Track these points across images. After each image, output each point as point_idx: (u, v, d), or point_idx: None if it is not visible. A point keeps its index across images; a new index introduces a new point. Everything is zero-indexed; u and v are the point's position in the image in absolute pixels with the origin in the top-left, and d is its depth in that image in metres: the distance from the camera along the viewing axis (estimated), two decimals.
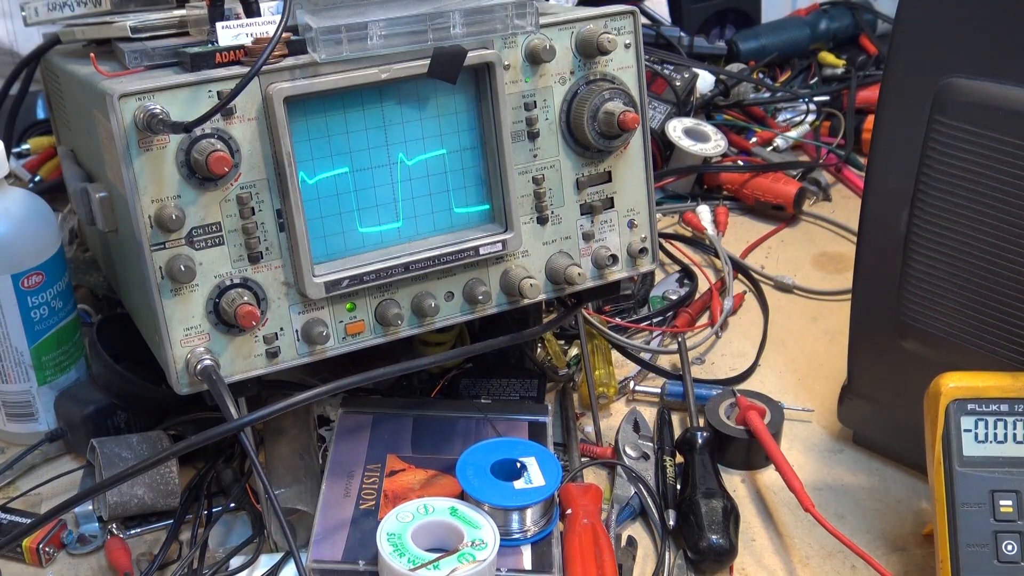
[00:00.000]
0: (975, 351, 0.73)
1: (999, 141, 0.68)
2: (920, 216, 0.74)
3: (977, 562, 0.66)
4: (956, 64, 0.70)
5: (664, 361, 0.98)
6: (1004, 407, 0.68)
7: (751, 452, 0.84)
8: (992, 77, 0.68)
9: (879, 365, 0.81)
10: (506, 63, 0.73)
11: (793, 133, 1.35)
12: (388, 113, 0.72)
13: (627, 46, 0.77)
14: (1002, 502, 0.67)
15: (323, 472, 0.79)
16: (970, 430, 0.68)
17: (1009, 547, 0.66)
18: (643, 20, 1.50)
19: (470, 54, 0.71)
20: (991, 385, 0.68)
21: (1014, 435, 0.67)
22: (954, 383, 0.69)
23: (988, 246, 0.70)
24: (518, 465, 0.75)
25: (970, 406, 0.68)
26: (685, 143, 1.23)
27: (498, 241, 0.75)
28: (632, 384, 0.94)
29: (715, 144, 1.25)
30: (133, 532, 0.80)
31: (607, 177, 0.79)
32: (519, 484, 0.74)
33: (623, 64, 0.77)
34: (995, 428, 0.68)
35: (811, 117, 1.39)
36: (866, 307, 0.80)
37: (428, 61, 0.70)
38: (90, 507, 0.80)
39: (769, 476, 0.84)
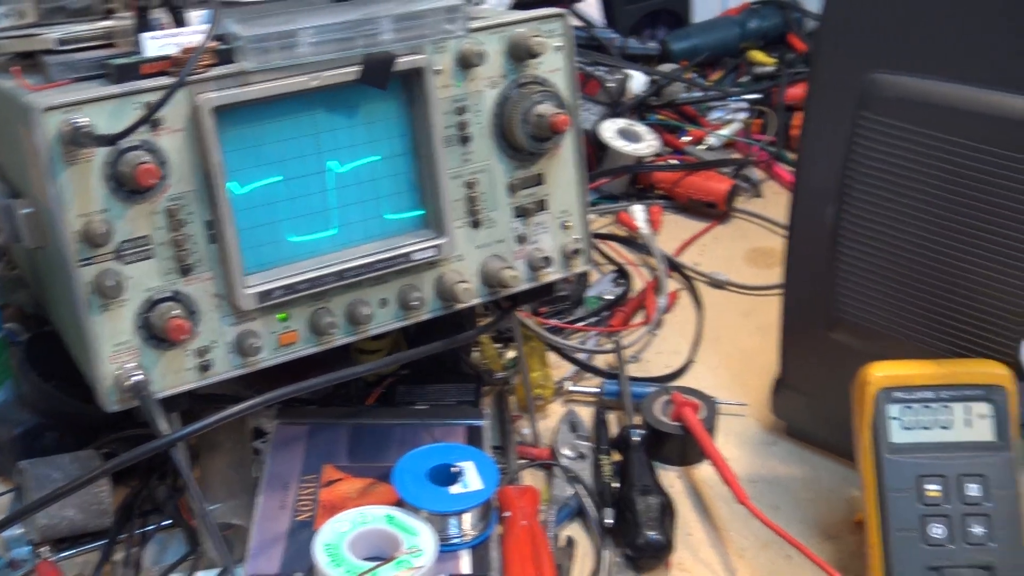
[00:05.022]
0: (902, 340, 0.75)
1: (923, 135, 0.69)
2: (848, 210, 0.75)
3: (906, 546, 0.67)
4: (880, 60, 0.71)
5: (601, 361, 0.99)
6: (929, 394, 0.70)
7: (687, 448, 0.86)
8: (915, 72, 0.70)
9: (810, 358, 0.83)
10: (437, 68, 0.73)
11: (725, 131, 1.37)
12: (319, 121, 0.72)
13: (558, 49, 0.78)
14: (929, 487, 0.68)
15: (259, 485, 0.78)
16: (897, 418, 0.69)
17: (936, 530, 0.67)
18: (576, 22, 1.52)
19: (400, 60, 0.71)
20: (917, 373, 0.70)
21: (939, 421, 0.69)
22: (881, 372, 0.70)
23: (915, 238, 0.72)
24: (455, 470, 0.76)
25: (897, 394, 0.70)
26: (618, 143, 1.24)
27: (431, 246, 0.75)
28: (569, 385, 0.94)
29: (648, 144, 1.26)
30: (65, 554, 0.78)
31: (540, 179, 0.79)
32: (456, 489, 0.74)
33: (554, 67, 0.78)
34: (921, 415, 0.69)
35: (743, 115, 1.41)
36: (796, 301, 0.82)
37: (358, 67, 0.70)
38: (20, 530, 0.78)
39: (705, 471, 0.85)
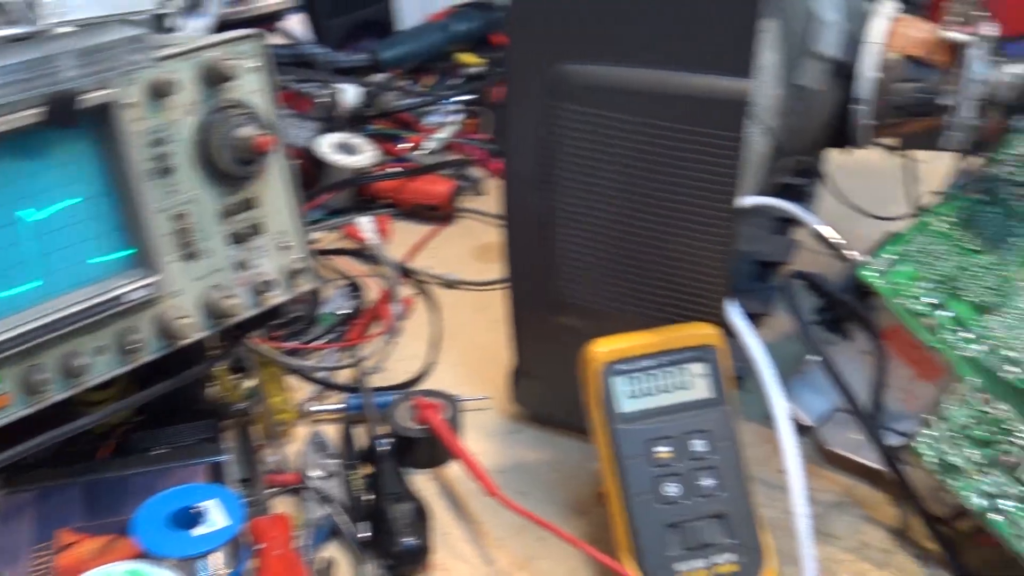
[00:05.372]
0: (621, 316, 0.78)
1: (611, 119, 0.73)
2: (556, 197, 0.77)
3: (645, 508, 0.71)
4: (566, 51, 0.74)
5: (343, 376, 0.98)
6: (650, 362, 0.73)
7: (435, 449, 0.86)
8: (599, 60, 0.72)
9: (541, 344, 0.85)
10: (128, 101, 0.71)
11: (442, 134, 1.39)
12: (7, 168, 0.68)
13: (254, 69, 0.77)
14: (660, 449, 0.72)
15: None
16: (624, 389, 0.73)
17: (671, 488, 0.71)
18: (281, 40, 1.50)
19: (87, 95, 0.68)
20: (636, 344, 0.74)
21: (661, 386, 0.73)
22: (603, 348, 0.73)
23: (618, 217, 0.75)
24: (195, 511, 0.73)
25: (619, 367, 0.73)
26: (336, 158, 1.24)
27: (144, 285, 0.72)
28: (312, 405, 0.93)
29: (367, 155, 1.26)
30: None
31: (251, 203, 0.78)
32: (200, 530, 0.72)
33: (253, 88, 0.77)
34: (645, 383, 0.73)
35: (458, 116, 1.43)
36: (519, 290, 0.84)
37: (43, 108, 0.67)
38: None
39: (456, 469, 0.86)
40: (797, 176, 1.00)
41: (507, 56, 0.77)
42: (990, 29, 0.80)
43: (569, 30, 0.73)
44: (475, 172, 1.35)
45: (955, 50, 0.81)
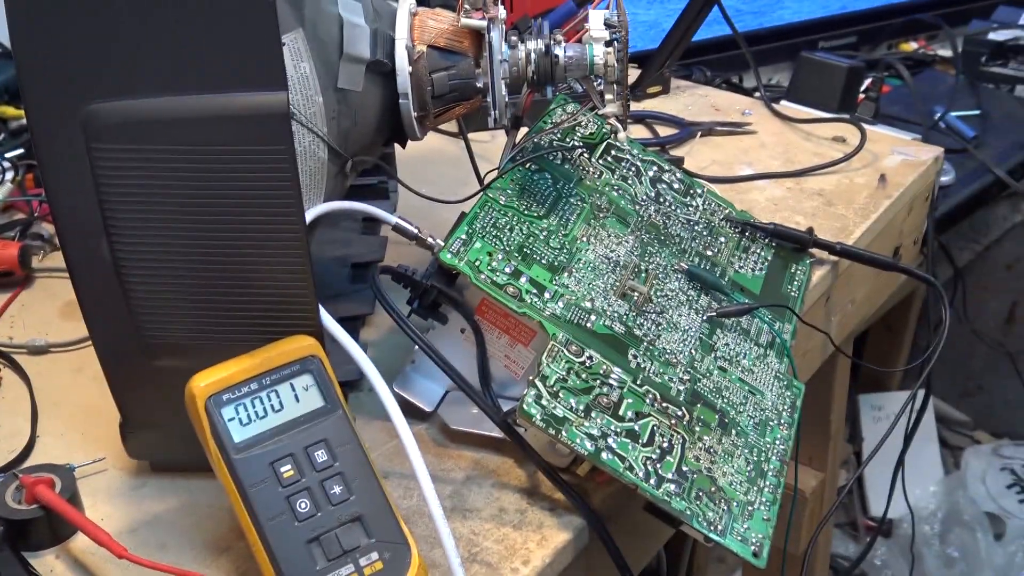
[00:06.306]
0: (220, 346, 0.77)
1: (155, 152, 0.70)
2: (120, 240, 0.74)
3: (282, 531, 0.70)
4: (91, 90, 0.70)
5: None
6: (253, 386, 0.73)
7: (54, 526, 0.81)
8: (129, 95, 0.70)
9: (144, 392, 0.82)
10: None
11: None
12: None
13: None
14: (283, 469, 0.72)
15: None
16: (233, 418, 0.72)
17: (303, 505, 0.71)
18: None
19: None
20: (236, 371, 0.73)
21: (270, 406, 0.73)
22: (204, 381, 0.72)
23: (191, 249, 0.73)
24: None
25: (225, 396, 0.72)
26: None
27: None
28: None
29: None
30: None
31: None
32: None
33: None
34: (253, 407, 0.72)
35: (11, 174, 1.34)
36: (106, 343, 0.80)
37: None
38: None
39: (84, 540, 0.82)
40: (367, 175, 1.02)
41: (25, 104, 0.71)
42: (501, 13, 0.85)
43: (90, 67, 0.69)
44: (45, 228, 1.27)
45: (478, 35, 0.87)
